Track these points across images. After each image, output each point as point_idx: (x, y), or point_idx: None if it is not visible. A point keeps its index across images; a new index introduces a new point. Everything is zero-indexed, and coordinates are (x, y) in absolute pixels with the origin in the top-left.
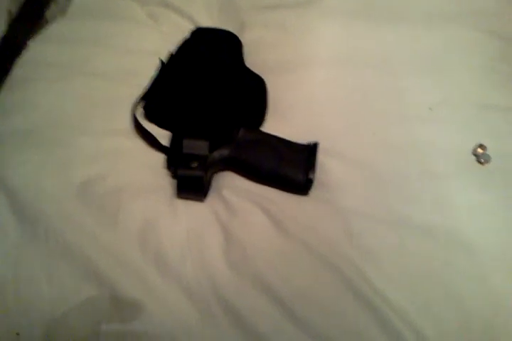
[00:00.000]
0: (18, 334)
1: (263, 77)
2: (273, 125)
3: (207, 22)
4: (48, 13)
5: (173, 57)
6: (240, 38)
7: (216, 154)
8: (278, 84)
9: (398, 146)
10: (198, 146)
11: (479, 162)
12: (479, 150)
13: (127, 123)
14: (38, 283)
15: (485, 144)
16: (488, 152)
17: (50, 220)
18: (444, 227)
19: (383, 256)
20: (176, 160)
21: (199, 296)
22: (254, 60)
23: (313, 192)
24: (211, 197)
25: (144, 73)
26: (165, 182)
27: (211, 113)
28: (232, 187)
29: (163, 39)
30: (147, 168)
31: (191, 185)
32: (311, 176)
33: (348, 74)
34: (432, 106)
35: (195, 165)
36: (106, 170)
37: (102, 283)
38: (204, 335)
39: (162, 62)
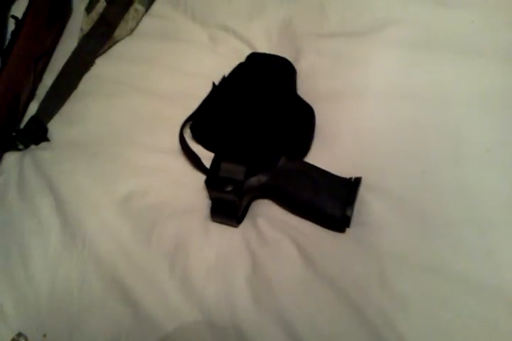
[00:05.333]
0: (44, 336)
1: (313, 105)
2: (317, 155)
3: (265, 47)
4: (117, 32)
5: (225, 80)
6: (295, 64)
7: (253, 180)
8: (327, 114)
9: (449, 189)
10: (235, 171)
11: None
12: None
13: (174, 142)
14: (71, 288)
15: None
16: None
17: (88, 231)
18: (490, 283)
19: (416, 306)
20: (213, 183)
21: (218, 324)
22: (306, 87)
23: (351, 229)
24: (245, 224)
25: (197, 95)
26: (203, 203)
27: (253, 139)
28: (267, 216)
29: (220, 62)
30: (188, 188)
31: (224, 209)
32: (348, 213)
33: (401, 108)
34: (489, 147)
35: (229, 189)
36: (148, 185)
37: (127, 298)
38: None
39: (214, 85)
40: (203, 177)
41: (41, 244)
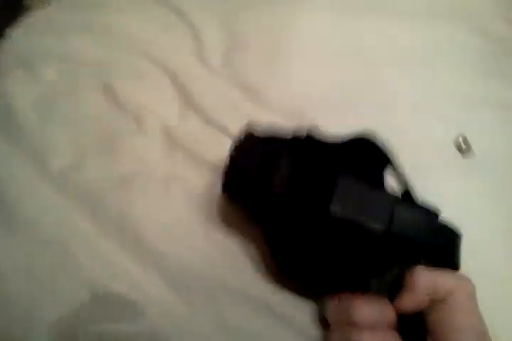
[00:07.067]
0: None
1: None
2: None
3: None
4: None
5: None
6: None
7: None
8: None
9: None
10: None
11: (460, 152)
12: (460, 141)
13: None
14: (16, 277)
15: (468, 138)
16: (470, 145)
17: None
18: None
19: None
20: None
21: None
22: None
23: None
24: None
25: None
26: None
27: None
28: None
29: None
30: None
31: None
32: None
33: (332, 66)
34: (416, 99)
35: None
36: None
37: (83, 279)
38: None
39: None
40: None
41: None
